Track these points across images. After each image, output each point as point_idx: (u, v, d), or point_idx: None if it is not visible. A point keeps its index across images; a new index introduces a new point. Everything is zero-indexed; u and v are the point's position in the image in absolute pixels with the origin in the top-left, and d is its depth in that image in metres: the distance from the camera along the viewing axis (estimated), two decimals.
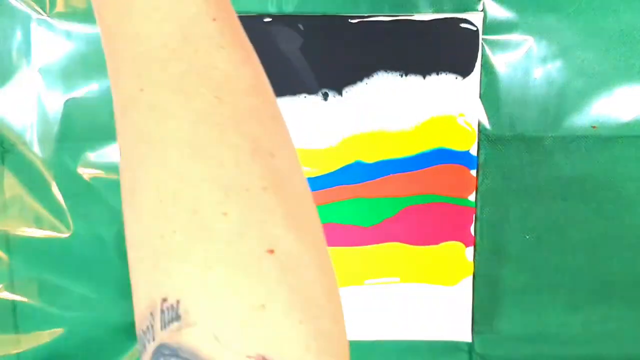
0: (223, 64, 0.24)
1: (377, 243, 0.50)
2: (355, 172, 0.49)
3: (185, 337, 0.20)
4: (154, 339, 0.21)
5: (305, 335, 0.21)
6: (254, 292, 0.21)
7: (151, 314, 0.21)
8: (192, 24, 0.24)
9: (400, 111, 0.49)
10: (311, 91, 0.49)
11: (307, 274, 0.22)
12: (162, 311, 0.21)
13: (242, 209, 0.22)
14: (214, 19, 0.24)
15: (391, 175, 0.49)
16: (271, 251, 0.21)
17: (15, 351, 0.52)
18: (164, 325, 0.21)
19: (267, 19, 0.48)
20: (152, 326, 0.21)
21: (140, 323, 0.22)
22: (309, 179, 0.49)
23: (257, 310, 0.21)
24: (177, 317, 0.21)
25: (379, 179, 0.49)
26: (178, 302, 0.21)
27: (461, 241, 0.50)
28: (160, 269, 0.22)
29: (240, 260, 0.21)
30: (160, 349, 0.21)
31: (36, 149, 0.50)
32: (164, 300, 0.21)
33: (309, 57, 0.48)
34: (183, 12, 0.24)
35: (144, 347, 0.22)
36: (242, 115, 0.23)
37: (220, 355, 0.20)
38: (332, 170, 0.49)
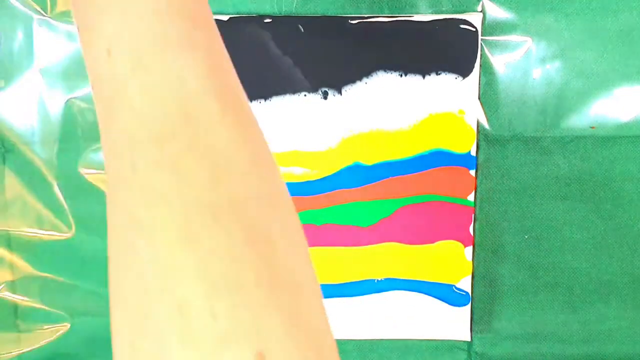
0: (222, 144, 0.22)
1: (375, 243, 0.50)
2: (354, 175, 0.49)
3: None
4: None
5: None
6: None
7: None
8: (193, 102, 0.22)
9: (399, 111, 0.49)
10: (311, 90, 0.49)
11: None
12: None
13: (232, 308, 0.20)
14: (216, 97, 0.23)
15: (390, 178, 0.50)
16: (261, 356, 0.20)
17: (16, 351, 0.53)
18: None
19: (267, 20, 0.48)
20: None
21: None
22: (309, 182, 0.50)
23: None
24: None
25: (378, 181, 0.50)
26: None
27: (460, 241, 0.50)
28: None
29: None
30: None
31: (37, 149, 0.50)
32: None
33: (309, 57, 0.48)
34: (184, 89, 0.22)
35: None
36: (239, 200, 0.22)
37: None
38: (331, 172, 0.50)
